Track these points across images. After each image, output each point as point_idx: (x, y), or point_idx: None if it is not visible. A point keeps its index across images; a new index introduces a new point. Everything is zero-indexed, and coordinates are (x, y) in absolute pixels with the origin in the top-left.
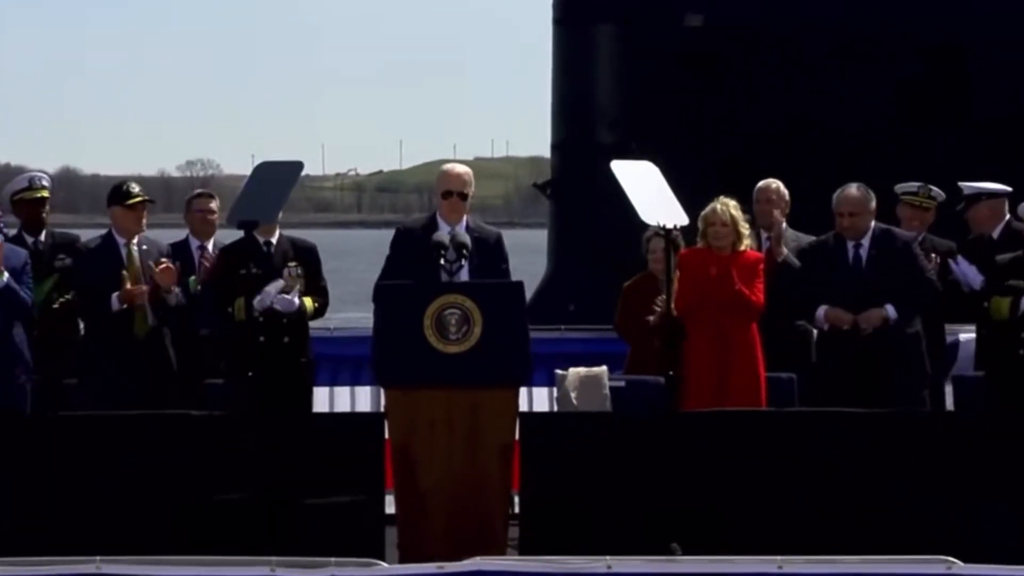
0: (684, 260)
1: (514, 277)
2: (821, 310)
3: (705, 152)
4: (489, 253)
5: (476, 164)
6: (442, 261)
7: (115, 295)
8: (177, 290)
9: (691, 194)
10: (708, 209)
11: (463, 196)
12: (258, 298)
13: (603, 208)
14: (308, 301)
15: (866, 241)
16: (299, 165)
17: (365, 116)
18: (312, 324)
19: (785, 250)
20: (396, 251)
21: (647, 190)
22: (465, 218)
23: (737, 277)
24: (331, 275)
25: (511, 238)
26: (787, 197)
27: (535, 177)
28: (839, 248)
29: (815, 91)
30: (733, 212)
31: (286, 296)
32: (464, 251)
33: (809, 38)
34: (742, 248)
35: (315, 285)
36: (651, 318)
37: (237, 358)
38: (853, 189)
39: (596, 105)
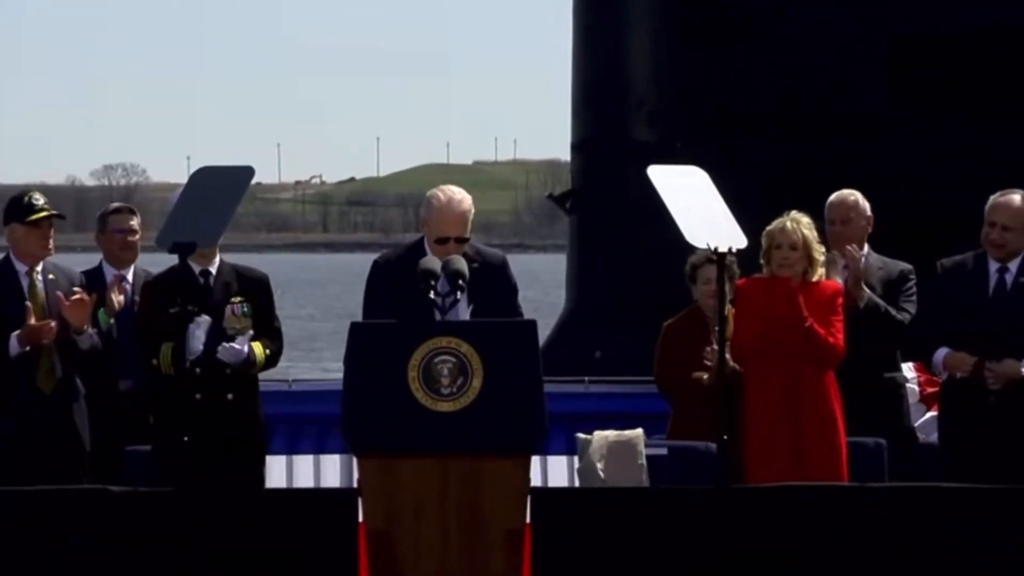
0: (742, 293)
1: (526, 314)
2: (940, 353)
3: (772, 155)
4: (493, 283)
5: (475, 170)
6: (431, 294)
7: (14, 335)
8: (92, 330)
9: (752, 209)
10: (774, 227)
11: (462, 240)
12: (193, 337)
13: (638, 226)
14: (258, 347)
15: (1014, 266)
16: (248, 171)
17: (332, 109)
18: (264, 376)
19: (867, 292)
20: (374, 291)
21: (694, 203)
22: None
23: (810, 314)
24: (288, 312)
25: (520, 264)
26: (868, 212)
27: (550, 186)
28: (979, 271)
29: None
30: (806, 232)
31: (233, 345)
32: (460, 281)
33: None
34: (815, 278)
35: (266, 327)
36: (703, 376)
37: (167, 419)
38: (1016, 197)
39: (629, 92)
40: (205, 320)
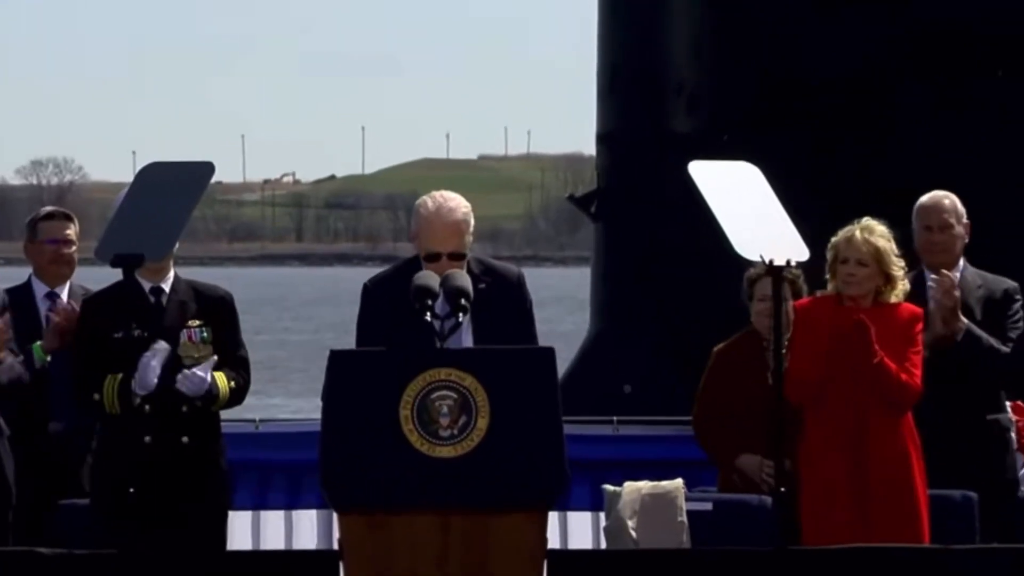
0: (801, 316)
1: (542, 340)
2: None
3: (842, 149)
4: (503, 303)
5: (481, 166)
6: (428, 316)
7: None
8: (14, 360)
9: (819, 213)
10: (840, 237)
11: (457, 256)
12: (137, 375)
13: (678, 234)
14: (221, 378)
15: None
16: (207, 168)
17: (307, 94)
18: (226, 415)
19: (964, 323)
20: (368, 321)
21: (745, 206)
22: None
23: (882, 344)
24: (256, 338)
25: (535, 280)
26: (966, 219)
27: (571, 186)
28: None
29: None
30: (878, 243)
31: (196, 371)
32: (463, 300)
33: None
34: (892, 299)
35: (231, 356)
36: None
37: (110, 467)
38: None
39: (666, 73)
40: (163, 348)
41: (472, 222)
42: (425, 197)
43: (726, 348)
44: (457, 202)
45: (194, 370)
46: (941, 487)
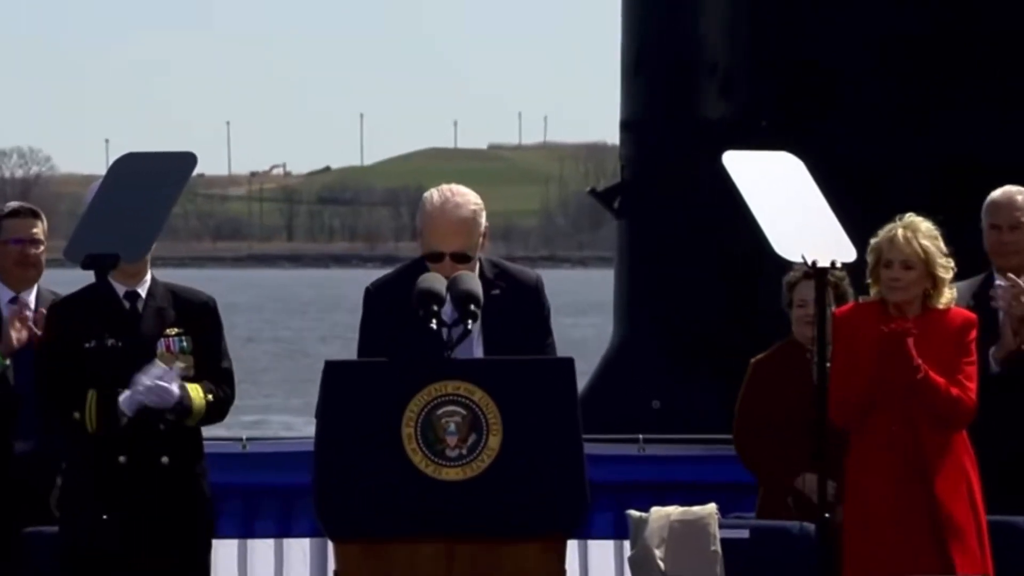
0: (840, 326)
1: (560, 350)
2: None
3: (891, 136)
4: (519, 310)
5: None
6: (433, 323)
7: None
8: None
9: (862, 209)
10: (881, 237)
11: (462, 258)
12: (126, 394)
13: (710, 231)
14: (197, 392)
15: None
16: (189, 159)
17: (300, 75)
18: (210, 432)
19: None
20: (371, 329)
21: (785, 200)
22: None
23: (930, 354)
24: (242, 348)
25: (553, 283)
26: None
27: (593, 179)
28: None
29: None
30: (924, 243)
31: (158, 381)
32: (472, 306)
33: None
34: (941, 304)
35: (213, 368)
36: (803, 486)
37: (81, 491)
38: None
39: (698, 53)
40: (160, 369)
41: (484, 221)
42: (433, 190)
43: (764, 359)
44: (467, 198)
45: (157, 380)
46: (1004, 513)
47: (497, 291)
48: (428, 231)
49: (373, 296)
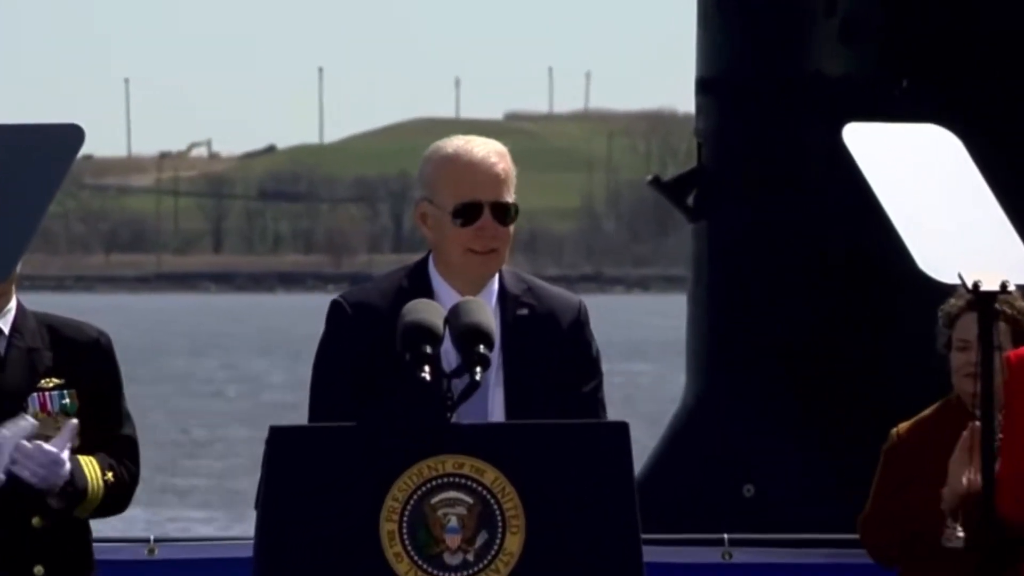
0: (1017, 378)
1: (611, 410)
2: None
3: None
4: (554, 347)
5: (510, 130)
6: (426, 371)
7: None
8: None
9: None
10: None
11: (506, 217)
12: None
13: (825, 239)
14: (90, 466)
15: None
16: (75, 134)
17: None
18: (100, 525)
19: None
20: (333, 361)
21: (934, 196)
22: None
23: None
24: (147, 406)
25: (597, 309)
26: None
27: (654, 163)
28: None
29: None
30: None
31: (45, 447)
32: (481, 347)
33: None
34: None
35: (107, 433)
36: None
37: None
38: None
39: None
40: (27, 425)
41: (514, 178)
42: (436, 144)
43: (913, 428)
44: (495, 145)
45: (39, 444)
46: None
47: (525, 311)
48: (453, 178)
49: (341, 317)
